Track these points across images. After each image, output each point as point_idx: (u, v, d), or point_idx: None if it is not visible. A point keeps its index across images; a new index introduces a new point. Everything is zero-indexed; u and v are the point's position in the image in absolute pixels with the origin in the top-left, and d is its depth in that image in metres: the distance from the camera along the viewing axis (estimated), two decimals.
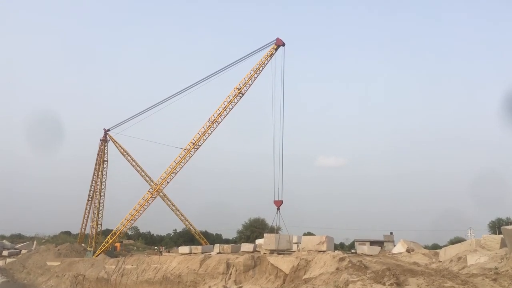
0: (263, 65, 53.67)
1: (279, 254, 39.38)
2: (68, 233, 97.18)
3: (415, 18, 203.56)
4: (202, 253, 48.40)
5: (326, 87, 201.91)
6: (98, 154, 68.86)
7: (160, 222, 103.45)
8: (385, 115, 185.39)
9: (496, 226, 74.35)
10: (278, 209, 46.54)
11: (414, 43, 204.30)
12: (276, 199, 47.19)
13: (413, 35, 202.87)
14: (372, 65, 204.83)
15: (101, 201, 67.36)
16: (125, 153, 69.42)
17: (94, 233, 65.09)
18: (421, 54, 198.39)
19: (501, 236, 25.67)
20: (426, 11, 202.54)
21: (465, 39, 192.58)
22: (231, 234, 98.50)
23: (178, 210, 75.00)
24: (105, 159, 68.31)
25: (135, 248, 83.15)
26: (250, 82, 54.34)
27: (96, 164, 69.30)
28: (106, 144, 68.42)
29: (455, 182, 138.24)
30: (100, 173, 68.15)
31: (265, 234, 45.92)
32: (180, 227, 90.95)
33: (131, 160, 69.92)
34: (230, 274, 38.21)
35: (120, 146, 69.00)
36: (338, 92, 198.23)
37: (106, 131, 68.30)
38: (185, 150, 57.67)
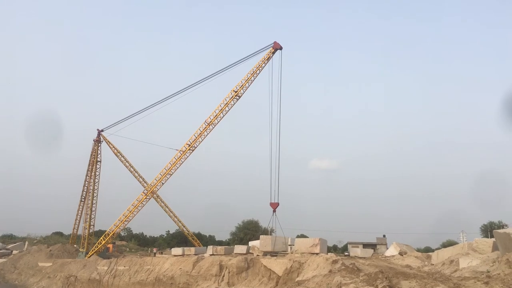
0: (260, 68, 53.57)
1: (272, 256, 39.39)
2: (60, 233, 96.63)
3: (415, 21, 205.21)
4: (195, 254, 48.32)
5: (324, 89, 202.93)
6: (91, 155, 68.51)
7: (153, 223, 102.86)
8: (382, 117, 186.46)
9: (488, 230, 74.78)
10: (274, 211, 46.49)
11: (413, 45, 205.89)
12: (272, 201, 47.15)
13: (413, 37, 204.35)
14: (371, 68, 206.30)
15: (94, 201, 66.96)
16: (118, 154, 69.13)
17: (86, 234, 64.68)
18: (421, 57, 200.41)
19: (493, 239, 25.87)
20: (425, 14, 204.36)
21: (464, 42, 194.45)
22: (224, 236, 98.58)
23: (172, 212, 74.81)
24: (98, 159, 67.96)
25: (127, 249, 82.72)
26: (247, 84, 54.23)
27: (89, 165, 68.94)
28: (99, 144, 68.11)
29: (450, 185, 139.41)
30: (93, 173, 67.77)
31: (261, 236, 45.94)
32: (173, 228, 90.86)
33: (125, 161, 69.65)
34: (223, 276, 38.16)
35: (113, 147, 68.70)
36: (336, 94, 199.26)
37: (99, 132, 67.98)
38: (181, 152, 57.52)
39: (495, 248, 25.15)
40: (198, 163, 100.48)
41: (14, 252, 71.33)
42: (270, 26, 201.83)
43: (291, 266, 32.94)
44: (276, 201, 46.89)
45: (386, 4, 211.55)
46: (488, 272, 19.87)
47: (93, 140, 68.23)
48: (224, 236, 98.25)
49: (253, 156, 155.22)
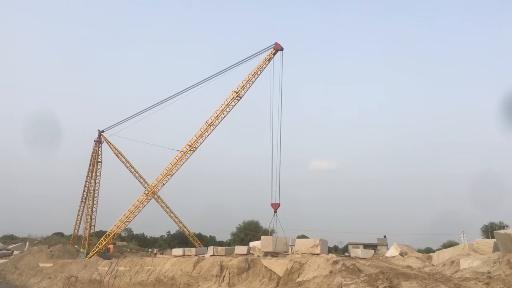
0: (261, 69, 53.56)
1: (273, 256, 39.40)
2: (61, 234, 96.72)
3: (415, 22, 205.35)
4: (195, 255, 48.32)
5: (324, 89, 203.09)
6: (92, 155, 68.57)
7: (154, 224, 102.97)
8: (382, 117, 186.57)
9: (489, 230, 74.69)
10: (275, 212, 46.51)
11: (413, 46, 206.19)
12: (273, 202, 47.17)
13: (413, 37, 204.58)
14: (371, 68, 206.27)
15: (95, 202, 67.00)
16: (119, 155, 69.19)
17: (87, 235, 64.73)
18: (421, 57, 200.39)
19: (494, 240, 25.83)
20: (426, 15, 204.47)
21: (464, 42, 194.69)
22: (225, 237, 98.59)
23: (172, 212, 74.86)
24: (99, 160, 68.02)
25: (128, 249, 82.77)
26: (248, 85, 54.25)
27: (89, 165, 69.01)
28: (100, 145, 68.16)
29: (450, 185, 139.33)
30: (93, 174, 67.80)
31: (262, 237, 45.94)
32: (174, 229, 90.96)
33: (125, 162, 69.71)
34: (224, 276, 38.16)
35: (114, 148, 68.76)
36: (336, 94, 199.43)
37: (100, 132, 68.02)
38: (182, 153, 57.53)
39: (496, 248, 25.12)
40: (198, 164, 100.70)
41: (15, 252, 71.43)
42: (270, 26, 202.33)
43: (291, 267, 32.93)
44: (277, 202, 46.95)
45: (386, 4, 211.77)
46: (489, 273, 19.87)
47: (94, 141, 68.30)
48: (225, 236, 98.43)
49: (254, 157, 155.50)
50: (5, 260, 67.15)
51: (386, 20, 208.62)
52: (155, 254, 63.13)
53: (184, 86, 58.92)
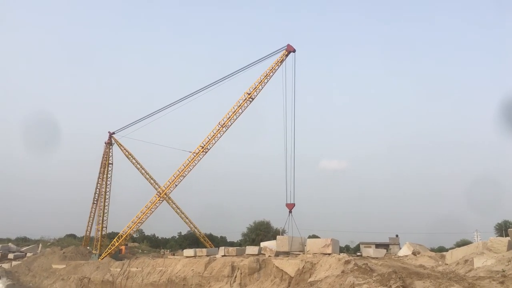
0: (273, 71, 53.78)
1: (284, 256, 39.32)
2: (73, 236, 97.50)
3: (415, 25, 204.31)
4: (207, 256, 48.40)
5: (328, 91, 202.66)
6: (103, 157, 69.04)
7: (165, 225, 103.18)
8: (387, 118, 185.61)
9: (502, 229, 73.84)
10: (290, 212, 46.48)
11: (414, 49, 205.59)
12: (288, 202, 47.13)
13: (415, 39, 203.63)
14: (373, 70, 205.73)
15: (106, 204, 67.52)
16: (130, 156, 69.52)
17: (99, 236, 65.23)
18: (421, 60, 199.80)
19: (508, 238, 25.55)
20: (426, 17, 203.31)
21: (463, 44, 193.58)
22: (236, 237, 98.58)
23: (183, 213, 74.99)
24: (110, 162, 68.45)
25: (140, 251, 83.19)
26: (260, 87, 54.58)
27: (101, 167, 69.47)
28: (111, 147, 68.61)
29: (463, 184, 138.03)
30: (105, 176, 68.28)
31: (278, 237, 45.91)
32: (185, 229, 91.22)
33: (136, 163, 70.01)
34: (235, 277, 38.21)
35: (125, 149, 69.11)
36: (341, 95, 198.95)
37: (111, 134, 68.49)
38: (194, 154, 57.78)
39: (510, 247, 24.80)
40: (209, 164, 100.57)
41: (28, 254, 72.02)
42: (278, 28, 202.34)
43: (303, 267, 32.82)
44: (292, 202, 46.90)
45: (386, 7, 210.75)
46: (504, 271, 19.63)
47: (105, 143, 68.79)
48: (236, 237, 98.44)
49: (263, 156, 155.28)
50: (18, 262, 67.77)
51: (388, 22, 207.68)
52: (163, 253, 63.48)
53: (193, 89, 59.24)
